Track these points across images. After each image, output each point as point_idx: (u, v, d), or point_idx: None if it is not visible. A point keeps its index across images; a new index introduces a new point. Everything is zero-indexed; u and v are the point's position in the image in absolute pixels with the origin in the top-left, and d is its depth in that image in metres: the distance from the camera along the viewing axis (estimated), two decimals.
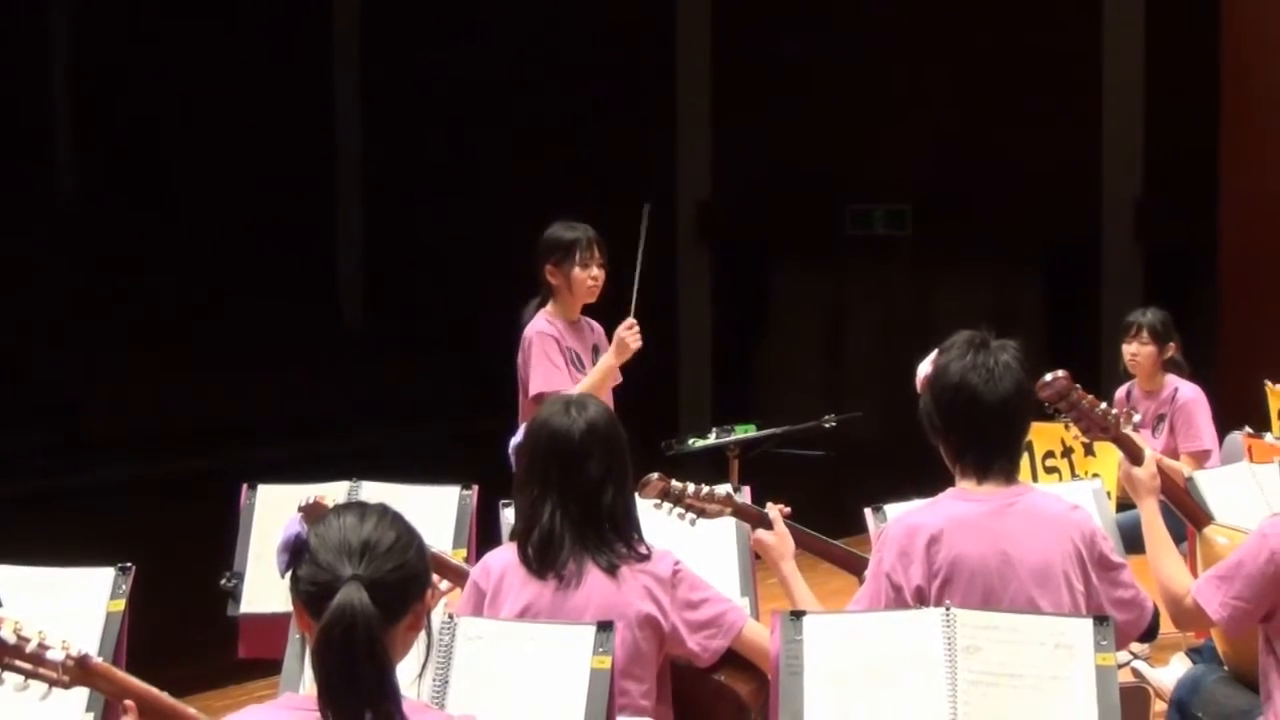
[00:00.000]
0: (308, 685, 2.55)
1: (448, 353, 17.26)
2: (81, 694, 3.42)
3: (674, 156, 16.97)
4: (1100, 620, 3.37)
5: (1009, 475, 3.74)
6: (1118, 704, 3.29)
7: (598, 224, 5.96)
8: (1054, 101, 14.85)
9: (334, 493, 4.50)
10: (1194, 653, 5.32)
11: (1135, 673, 5.58)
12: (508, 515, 4.46)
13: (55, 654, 2.89)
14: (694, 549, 4.16)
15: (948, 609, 3.37)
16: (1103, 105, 14.76)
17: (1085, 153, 14.76)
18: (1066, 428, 5.92)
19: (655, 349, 6.06)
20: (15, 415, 14.97)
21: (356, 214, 19.23)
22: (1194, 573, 4.18)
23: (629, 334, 5.77)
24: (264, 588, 4.80)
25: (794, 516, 4.16)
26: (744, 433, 6.85)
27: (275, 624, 4.35)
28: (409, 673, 2.63)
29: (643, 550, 3.71)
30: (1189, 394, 6.92)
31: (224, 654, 5.08)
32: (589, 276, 5.87)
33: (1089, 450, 6.38)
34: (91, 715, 3.59)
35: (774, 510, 4.14)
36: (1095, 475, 5.69)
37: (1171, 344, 7.01)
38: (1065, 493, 4.16)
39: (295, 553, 2.55)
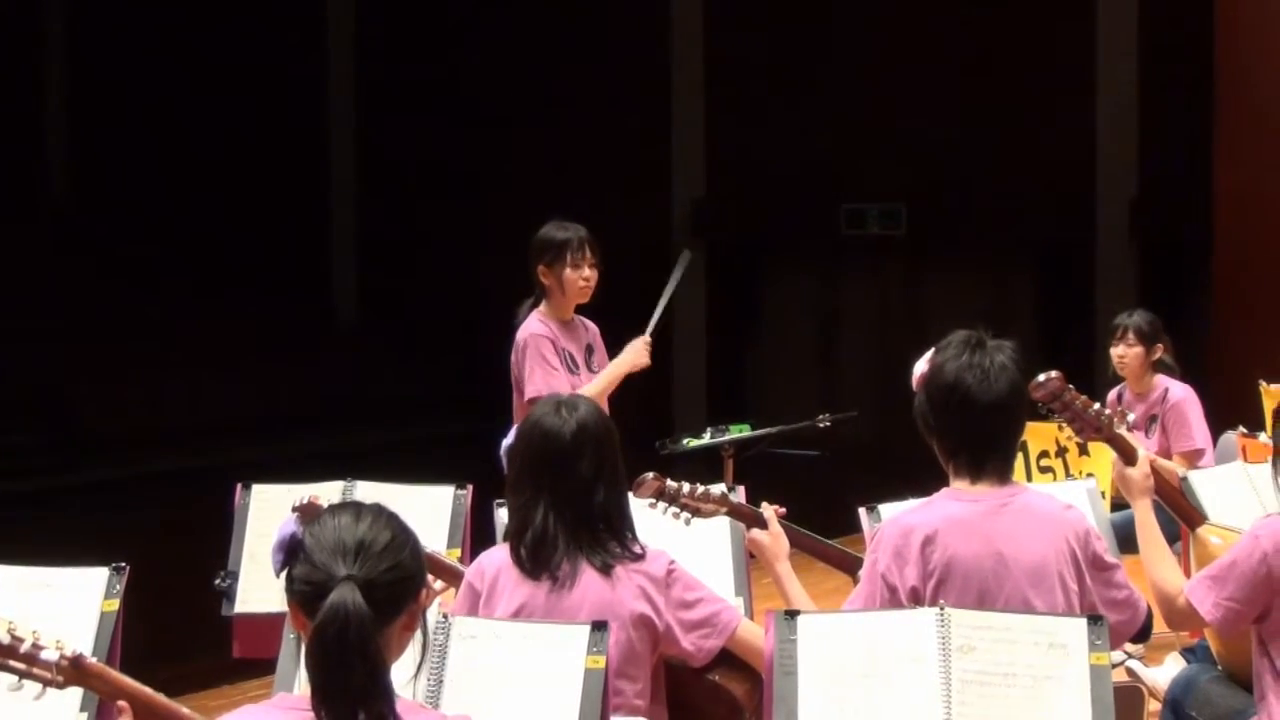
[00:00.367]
0: (302, 685, 2.55)
1: (443, 352, 17.24)
2: (75, 694, 3.42)
3: (668, 156, 16.96)
4: (1094, 620, 3.37)
5: (1003, 475, 3.74)
6: (1112, 703, 3.29)
7: (592, 224, 5.96)
8: (1048, 102, 14.84)
9: (329, 492, 4.51)
10: (1188, 652, 5.31)
11: (1129, 672, 5.58)
12: (502, 515, 4.45)
13: (49, 654, 2.89)
14: (689, 549, 4.15)
15: (942, 609, 3.37)
16: (1096, 106, 14.75)
17: (1079, 153, 14.75)
18: (1060, 428, 5.92)
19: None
20: (7, 413, 14.93)
21: (351, 213, 19.21)
22: (1187, 573, 4.18)
23: (645, 348, 5.86)
24: (258, 587, 4.78)
25: (789, 516, 4.17)
26: (738, 432, 6.85)
27: (270, 624, 4.36)
28: (404, 673, 2.63)
29: (637, 550, 3.70)
30: (1180, 394, 6.92)
31: (218, 654, 5.08)
32: (581, 277, 5.87)
33: (1083, 450, 6.36)
34: (85, 715, 3.58)
35: (769, 510, 4.14)
36: (1089, 475, 5.68)
37: (1159, 345, 7.00)
38: (1059, 492, 4.15)
39: (290, 552, 2.55)
